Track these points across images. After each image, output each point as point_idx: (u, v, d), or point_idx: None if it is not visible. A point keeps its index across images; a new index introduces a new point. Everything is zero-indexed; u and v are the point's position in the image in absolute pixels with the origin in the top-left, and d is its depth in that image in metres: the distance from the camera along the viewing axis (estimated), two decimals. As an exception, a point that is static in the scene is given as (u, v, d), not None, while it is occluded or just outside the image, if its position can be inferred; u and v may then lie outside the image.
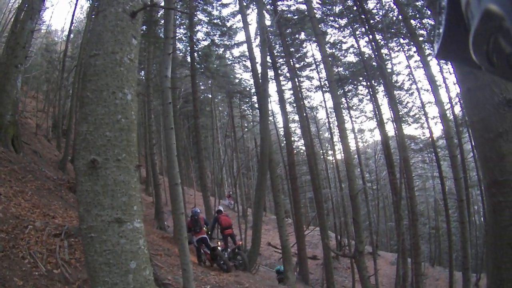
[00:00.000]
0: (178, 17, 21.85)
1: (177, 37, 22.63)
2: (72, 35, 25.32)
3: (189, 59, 23.21)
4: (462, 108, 23.44)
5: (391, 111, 20.82)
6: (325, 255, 19.08)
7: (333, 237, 27.29)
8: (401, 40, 22.64)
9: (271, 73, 23.02)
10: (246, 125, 38.11)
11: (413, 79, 23.62)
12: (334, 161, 31.61)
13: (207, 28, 23.50)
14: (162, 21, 18.26)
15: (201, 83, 32.94)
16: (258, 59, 16.21)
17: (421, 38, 19.07)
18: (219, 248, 13.13)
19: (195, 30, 22.40)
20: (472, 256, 19.59)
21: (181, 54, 26.34)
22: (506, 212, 3.25)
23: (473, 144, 18.55)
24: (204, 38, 23.93)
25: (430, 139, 22.42)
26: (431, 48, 21.16)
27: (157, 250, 11.48)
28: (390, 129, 32.12)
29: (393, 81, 23.23)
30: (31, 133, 19.99)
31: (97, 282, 3.31)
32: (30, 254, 6.20)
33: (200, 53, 23.40)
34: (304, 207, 37.02)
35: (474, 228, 24.42)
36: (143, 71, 24.70)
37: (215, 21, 22.91)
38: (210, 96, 35.92)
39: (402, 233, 17.85)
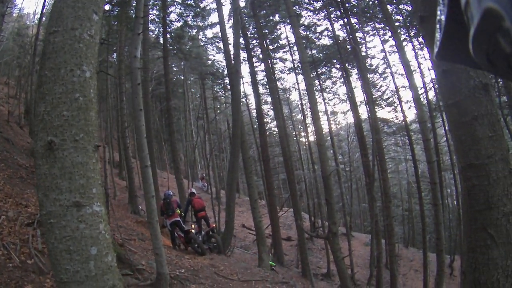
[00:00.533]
0: None
1: (150, 19, 22.05)
2: (44, 18, 24.39)
3: (161, 41, 22.88)
4: (436, 93, 23.83)
5: (365, 94, 20.91)
6: (299, 236, 19.17)
7: (307, 218, 27.52)
8: (376, 25, 22.68)
9: (244, 54, 22.93)
10: (218, 106, 37.94)
11: (387, 63, 23.77)
12: (307, 143, 31.68)
13: (180, 9, 23.20)
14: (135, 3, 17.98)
15: (173, 65, 32.48)
16: (231, 41, 16.02)
17: (397, 24, 19.15)
18: (193, 231, 13.07)
19: (168, 11, 22.07)
20: (446, 238, 20.00)
21: (153, 35, 25.94)
22: (481, 196, 3.25)
23: (447, 128, 18.84)
24: (177, 20, 23.67)
25: (404, 122, 22.62)
26: (407, 33, 21.37)
27: (131, 235, 11.34)
28: (363, 112, 32.26)
29: (367, 64, 23.33)
30: (3, 121, 19.43)
31: (59, 270, 3.17)
32: (3, 245, 6.06)
33: (173, 34, 23.15)
34: (277, 189, 37.17)
35: (447, 210, 24.94)
36: (115, 53, 24.23)
37: (189, 1, 22.61)
38: (182, 78, 35.49)
39: (375, 214, 18.06)
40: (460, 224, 21.25)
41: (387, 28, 21.68)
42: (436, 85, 24.16)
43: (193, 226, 13.48)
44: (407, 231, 32.67)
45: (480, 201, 3.24)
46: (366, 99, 20.78)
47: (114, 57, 24.97)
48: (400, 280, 20.95)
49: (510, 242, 3.20)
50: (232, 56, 15.01)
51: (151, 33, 24.83)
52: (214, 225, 14.57)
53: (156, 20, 23.17)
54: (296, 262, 21.29)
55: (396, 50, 20.58)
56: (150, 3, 21.24)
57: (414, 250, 28.69)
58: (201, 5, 23.06)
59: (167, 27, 21.69)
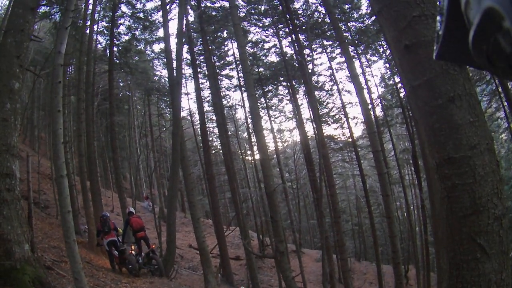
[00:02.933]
0: (101, 10, 21.10)
1: (98, 30, 21.86)
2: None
3: (108, 54, 22.11)
4: (382, 109, 24.33)
5: (311, 111, 20.91)
6: (248, 256, 18.89)
7: (255, 237, 27.20)
8: (324, 42, 22.95)
9: (190, 70, 22.69)
10: (164, 124, 37.23)
11: (334, 80, 24.04)
12: (253, 161, 31.37)
13: (129, 21, 22.72)
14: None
15: (119, 80, 31.68)
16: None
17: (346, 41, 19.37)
18: (132, 252, 12.62)
19: (118, 23, 21.60)
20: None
21: (101, 47, 25.02)
22: (465, 197, 2.61)
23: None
24: (125, 32, 23.11)
25: (350, 138, 22.84)
26: (354, 51, 21.68)
27: (63, 256, 10.36)
28: (309, 129, 32.52)
29: (314, 81, 23.40)
30: None
31: None
32: None
33: (120, 48, 22.60)
34: (224, 207, 36.85)
35: (397, 222, 25.32)
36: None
37: (139, 14, 22.18)
38: (128, 94, 34.61)
39: (325, 230, 17.88)
40: (411, 235, 21.60)
41: (335, 45, 21.99)
42: (380, 100, 24.69)
43: (132, 247, 12.75)
44: (358, 245, 33.08)
45: (465, 204, 2.61)
46: (312, 116, 20.78)
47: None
48: (355, 293, 20.94)
49: (504, 251, 2.59)
50: (174, 68, 14.44)
51: (99, 45, 24.33)
52: (154, 246, 13.72)
53: (105, 32, 22.52)
54: (246, 282, 20.87)
55: (346, 65, 20.78)
56: (101, 15, 20.81)
57: (367, 263, 29.03)
58: (151, 19, 22.69)
59: (115, 40, 21.15)
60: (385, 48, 21.37)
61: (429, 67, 2.71)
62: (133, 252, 12.60)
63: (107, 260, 13.12)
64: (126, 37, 23.07)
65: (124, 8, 21.37)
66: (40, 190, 18.71)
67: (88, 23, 18.27)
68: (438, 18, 0.76)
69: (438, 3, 0.77)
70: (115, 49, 21.37)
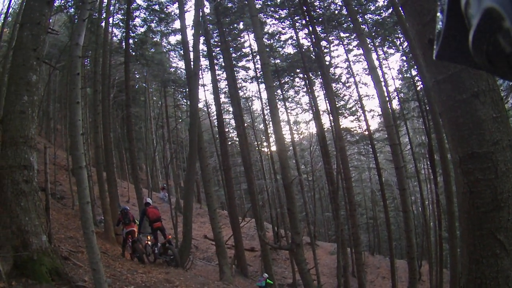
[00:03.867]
0: (116, 3, 21.19)
1: (114, 23, 21.80)
2: (10, 18, 23.12)
3: (124, 46, 22.21)
4: (399, 102, 24.14)
5: (328, 103, 20.78)
6: (263, 247, 18.91)
7: (270, 228, 27.23)
8: (341, 34, 22.76)
9: (206, 62, 22.80)
10: (180, 115, 37.30)
11: (351, 72, 23.90)
12: (269, 153, 31.37)
13: (145, 14, 22.80)
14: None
15: (135, 72, 31.81)
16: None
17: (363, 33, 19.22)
18: (148, 242, 12.77)
19: (133, 15, 21.66)
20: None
21: (117, 40, 25.17)
22: (487, 193, 2.60)
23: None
24: (141, 25, 23.21)
25: (367, 131, 22.67)
26: (372, 43, 21.48)
27: (80, 247, 10.48)
28: (326, 121, 32.47)
29: (330, 73, 23.28)
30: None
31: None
32: None
33: (136, 39, 22.74)
34: (239, 199, 36.91)
35: (412, 217, 25.23)
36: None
37: (154, 6, 22.23)
38: (145, 85, 34.75)
39: (340, 223, 17.84)
40: (425, 231, 21.45)
41: (352, 37, 21.81)
42: (397, 93, 24.48)
43: (149, 237, 12.88)
44: (373, 238, 32.91)
45: (487, 200, 2.59)
46: (329, 108, 20.68)
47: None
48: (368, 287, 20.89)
49: None
50: (191, 60, 14.43)
51: (114, 38, 24.36)
52: (170, 236, 13.82)
53: (121, 24, 22.64)
54: (260, 273, 20.88)
55: (363, 58, 20.73)
56: (116, 7, 20.87)
57: (380, 257, 28.85)
58: (167, 11, 22.71)
59: (131, 32, 21.18)
60: (402, 41, 21.15)
61: None
62: (149, 242, 12.72)
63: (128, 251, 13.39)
64: (142, 29, 23.25)
65: (139, 0, 21.46)
66: (56, 181, 18.98)
67: (104, 15, 18.34)
68: (438, 17, 0.76)
69: (438, 3, 0.75)
70: (131, 41, 21.40)
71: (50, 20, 8.24)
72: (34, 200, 6.08)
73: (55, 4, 16.03)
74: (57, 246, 8.08)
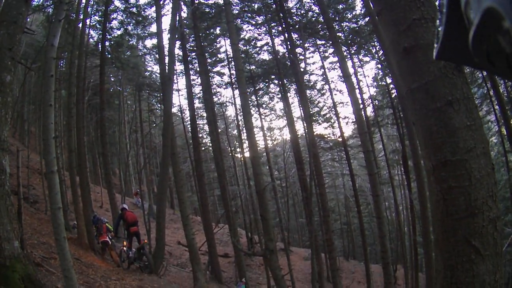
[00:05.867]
0: (94, 4, 21.08)
1: (91, 24, 21.80)
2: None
3: (100, 48, 22.01)
4: (373, 109, 24.49)
5: (302, 110, 20.93)
6: (236, 253, 18.90)
7: (244, 235, 27.16)
8: (317, 41, 22.98)
9: (181, 67, 22.63)
10: (154, 120, 37.05)
11: (326, 80, 24.16)
12: (242, 159, 31.39)
13: (122, 16, 22.69)
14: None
15: (110, 75, 31.42)
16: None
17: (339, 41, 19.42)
18: (124, 248, 12.96)
19: (110, 17, 21.54)
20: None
21: (93, 42, 24.86)
22: (461, 200, 2.62)
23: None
24: (118, 27, 23.07)
25: (341, 138, 22.96)
26: (347, 51, 21.76)
27: (53, 253, 10.27)
28: (300, 127, 32.68)
29: (305, 80, 23.46)
30: None
31: None
32: None
33: (112, 42, 22.62)
34: (213, 205, 36.82)
35: (386, 223, 25.53)
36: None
37: (132, 9, 22.19)
38: (119, 89, 34.36)
39: (314, 229, 17.95)
40: (400, 236, 21.76)
41: (328, 45, 22.04)
42: (371, 100, 24.81)
43: (124, 242, 12.84)
44: (347, 244, 33.24)
45: (461, 207, 2.62)
46: (303, 115, 20.84)
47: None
48: (343, 292, 21.02)
49: (498, 252, 2.61)
50: (166, 64, 14.38)
51: (91, 40, 24.20)
52: (145, 241, 13.76)
53: (97, 26, 22.44)
54: (235, 279, 20.85)
55: (338, 65, 20.94)
56: (94, 8, 20.67)
57: (355, 262, 29.16)
58: (144, 14, 22.73)
59: (107, 34, 21.03)
60: (377, 49, 21.51)
61: (427, 70, 2.72)
62: (124, 248, 12.73)
63: (96, 256, 13.36)
64: (119, 32, 23.12)
65: (117, 2, 21.32)
66: (30, 185, 18.55)
67: (81, 16, 18.11)
68: (438, 17, 0.77)
69: (437, 3, 0.78)
70: (107, 43, 21.24)
71: (27, 20, 8.09)
72: (6, 205, 5.91)
73: (33, 3, 15.79)
74: (29, 252, 7.91)
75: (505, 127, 14.47)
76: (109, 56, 22.26)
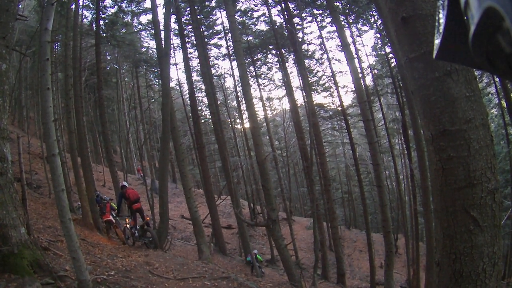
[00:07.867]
0: None
1: (84, 5, 21.47)
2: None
3: (95, 28, 21.73)
4: (373, 79, 24.35)
5: (301, 79, 20.87)
6: (239, 224, 19.06)
7: (246, 205, 27.37)
8: (314, 11, 22.65)
9: (178, 41, 22.42)
10: (152, 95, 36.90)
11: (324, 49, 23.92)
12: (242, 130, 31.37)
13: None
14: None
15: (107, 54, 31.15)
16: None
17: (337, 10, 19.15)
18: (127, 225, 12.86)
19: None
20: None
21: (87, 22, 24.57)
22: (460, 170, 2.63)
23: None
24: (111, 5, 22.57)
25: (340, 107, 22.81)
26: (345, 20, 21.47)
27: (59, 235, 10.33)
28: (299, 97, 32.58)
29: (303, 50, 23.26)
30: None
31: None
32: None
33: (106, 21, 22.24)
34: (214, 177, 36.99)
35: (387, 192, 25.69)
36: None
37: None
38: (116, 67, 34.09)
39: (315, 198, 18.03)
40: (400, 205, 21.89)
41: (325, 14, 21.73)
42: (370, 69, 24.65)
43: (127, 220, 12.84)
44: (348, 213, 33.43)
45: (460, 177, 2.63)
46: (302, 84, 20.75)
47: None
48: (345, 261, 21.30)
49: (496, 224, 2.64)
50: (162, 39, 14.20)
51: (85, 20, 24.00)
52: (148, 218, 13.81)
53: (91, 6, 22.11)
54: (238, 250, 21.08)
55: (336, 35, 20.69)
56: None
57: (356, 231, 29.41)
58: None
59: (101, 13, 20.65)
60: (376, 18, 21.23)
61: (426, 40, 2.71)
62: (128, 225, 12.71)
63: (102, 235, 13.60)
64: (113, 10, 22.65)
65: (110, -21, 20.96)
66: (32, 170, 18.67)
67: (74, -3, 17.84)
68: (438, 16, 0.77)
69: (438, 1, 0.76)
70: (101, 22, 20.92)
71: (19, 6, 7.98)
72: (10, 192, 5.91)
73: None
74: (36, 237, 7.93)
75: (505, 100, 14.44)
76: (104, 35, 21.95)
